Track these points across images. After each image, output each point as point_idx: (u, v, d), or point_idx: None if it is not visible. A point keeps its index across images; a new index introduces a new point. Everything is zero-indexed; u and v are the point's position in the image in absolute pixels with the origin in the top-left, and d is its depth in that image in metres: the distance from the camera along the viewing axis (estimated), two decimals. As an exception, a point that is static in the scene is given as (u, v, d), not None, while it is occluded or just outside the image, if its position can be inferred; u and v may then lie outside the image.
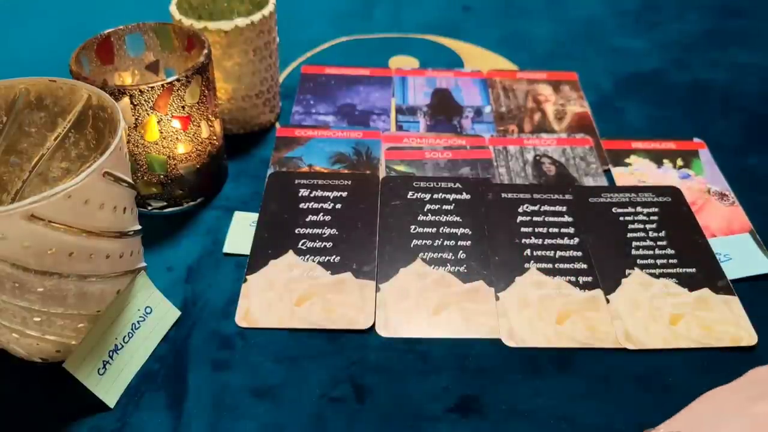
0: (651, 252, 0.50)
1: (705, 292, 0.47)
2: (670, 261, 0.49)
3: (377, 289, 0.47)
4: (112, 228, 0.38)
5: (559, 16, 0.83)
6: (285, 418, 0.40)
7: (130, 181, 0.39)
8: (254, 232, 0.51)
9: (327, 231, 0.51)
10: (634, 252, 0.49)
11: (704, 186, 0.56)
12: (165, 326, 0.44)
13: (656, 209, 0.53)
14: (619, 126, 0.64)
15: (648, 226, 0.52)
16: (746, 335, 0.44)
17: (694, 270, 0.48)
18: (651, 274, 0.48)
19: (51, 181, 0.45)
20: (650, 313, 0.45)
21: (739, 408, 0.33)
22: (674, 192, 0.55)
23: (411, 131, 0.63)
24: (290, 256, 0.49)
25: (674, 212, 0.53)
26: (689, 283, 0.47)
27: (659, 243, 0.50)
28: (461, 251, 0.50)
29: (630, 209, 0.53)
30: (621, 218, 0.52)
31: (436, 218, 0.52)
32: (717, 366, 0.43)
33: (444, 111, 0.65)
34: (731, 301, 0.46)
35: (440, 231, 0.51)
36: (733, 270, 0.48)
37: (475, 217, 0.52)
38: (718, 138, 0.62)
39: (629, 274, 0.48)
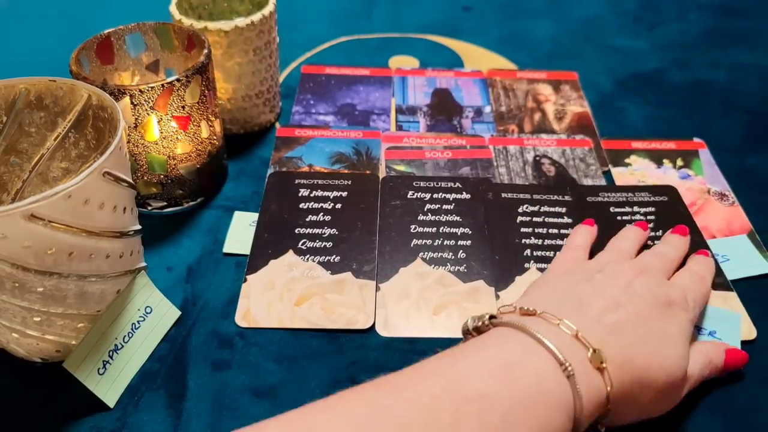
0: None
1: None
2: None
3: (377, 289, 0.47)
4: (112, 228, 0.38)
5: (559, 16, 0.83)
6: (285, 418, 0.40)
7: (130, 181, 0.39)
8: (254, 232, 0.51)
9: (327, 231, 0.51)
10: None
11: (704, 186, 0.56)
12: (165, 326, 0.44)
13: (653, 209, 0.53)
14: (619, 126, 0.64)
15: None
16: (745, 330, 0.44)
17: None
18: None
19: (51, 181, 0.45)
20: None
21: (569, 289, 0.38)
22: (671, 191, 0.55)
23: (411, 131, 0.63)
24: (290, 256, 0.49)
25: (671, 211, 0.53)
26: None
27: (656, 242, 0.50)
28: (461, 251, 0.50)
29: (627, 209, 0.53)
30: (618, 217, 0.52)
31: (436, 218, 0.52)
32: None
33: (444, 111, 0.65)
34: (729, 296, 0.46)
35: (440, 231, 0.51)
36: (731, 271, 0.48)
37: (475, 217, 0.52)
38: (718, 138, 0.62)
39: None
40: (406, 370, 0.31)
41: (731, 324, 0.44)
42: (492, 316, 0.36)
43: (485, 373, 0.31)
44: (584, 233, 0.47)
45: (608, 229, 0.48)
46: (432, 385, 0.30)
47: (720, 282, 0.47)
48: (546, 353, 0.32)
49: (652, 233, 0.51)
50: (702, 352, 0.39)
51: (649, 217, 0.52)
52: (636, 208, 0.53)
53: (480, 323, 0.36)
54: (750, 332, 0.44)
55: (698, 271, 0.43)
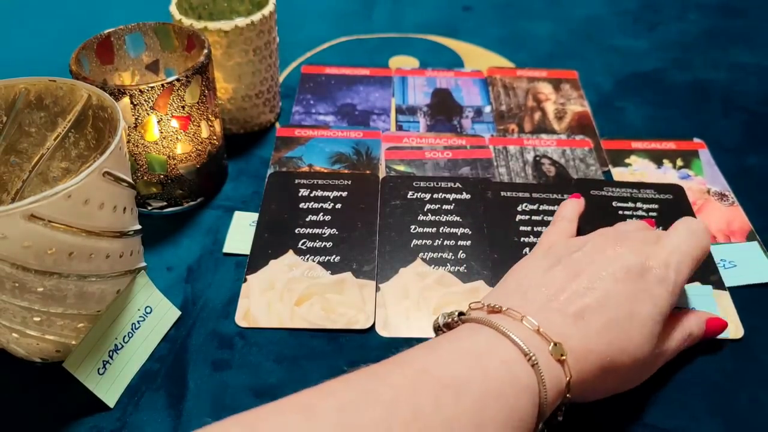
0: None
1: (695, 284, 0.47)
2: None
3: (377, 289, 0.47)
4: (112, 228, 0.38)
5: (559, 16, 0.83)
6: (285, 418, 0.40)
7: (130, 180, 0.39)
8: (254, 232, 0.51)
9: (327, 231, 0.51)
10: None
11: (704, 186, 0.56)
12: (165, 326, 0.44)
13: (656, 206, 0.53)
14: (619, 126, 0.64)
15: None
16: (734, 328, 0.45)
17: None
18: None
19: (51, 181, 0.45)
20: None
21: (539, 277, 0.39)
22: (677, 190, 0.55)
23: (411, 131, 0.63)
24: (290, 256, 0.49)
25: (675, 209, 0.53)
26: None
27: None
28: (461, 251, 0.50)
29: (630, 204, 0.53)
30: (620, 212, 0.53)
31: (436, 218, 0.52)
32: (703, 357, 0.43)
33: (444, 111, 0.65)
34: (722, 295, 0.47)
35: (440, 231, 0.51)
36: (736, 277, 0.48)
37: (475, 217, 0.52)
38: (718, 138, 0.62)
39: None
40: (386, 361, 0.33)
41: (705, 298, 0.45)
42: (461, 313, 0.38)
43: (458, 361, 0.33)
44: (572, 205, 0.48)
45: (610, 224, 0.48)
46: (412, 371, 0.32)
47: (714, 280, 0.48)
48: (511, 345, 0.34)
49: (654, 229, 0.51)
50: (682, 324, 0.41)
51: (651, 214, 0.52)
52: (639, 204, 0.53)
53: (450, 320, 0.38)
54: (737, 330, 0.45)
55: (686, 229, 0.42)
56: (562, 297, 0.37)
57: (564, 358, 0.34)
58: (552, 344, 0.34)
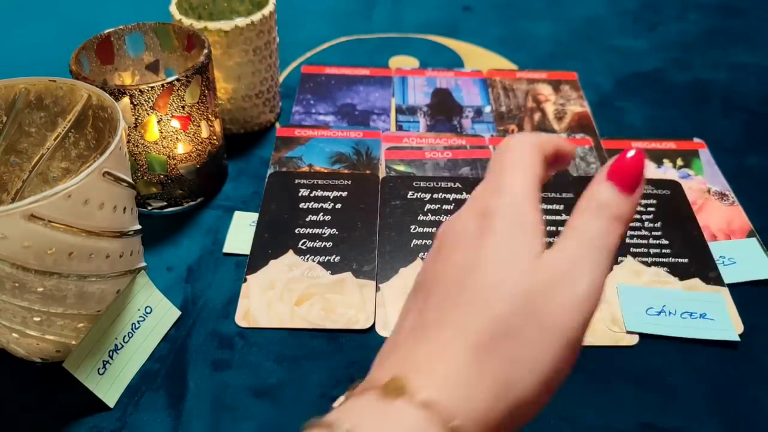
0: (645, 241, 0.50)
1: (695, 281, 0.47)
2: (664, 250, 0.50)
3: (377, 289, 0.47)
4: (112, 228, 0.38)
5: (559, 16, 0.83)
6: (285, 418, 0.40)
7: (130, 180, 0.39)
8: (254, 232, 0.51)
9: (327, 231, 0.51)
10: (627, 240, 0.50)
11: (704, 186, 0.56)
12: (165, 326, 0.44)
13: (654, 201, 0.54)
14: (619, 126, 0.64)
15: (644, 217, 0.52)
16: (734, 326, 0.45)
17: (686, 260, 0.49)
18: (643, 262, 0.49)
19: (51, 181, 0.45)
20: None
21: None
22: (674, 186, 0.55)
23: (411, 131, 0.63)
24: (290, 255, 0.49)
25: (672, 205, 0.54)
26: (680, 272, 0.48)
27: (654, 233, 0.51)
28: (461, 251, 0.50)
29: None
30: None
31: (436, 218, 0.52)
32: (703, 357, 0.43)
33: (444, 111, 0.65)
34: (720, 292, 0.47)
35: (440, 231, 0.51)
36: (735, 274, 0.48)
37: (475, 217, 0.52)
38: (718, 138, 0.62)
39: (621, 261, 0.49)
40: None
41: (718, 303, 0.45)
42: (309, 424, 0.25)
43: None
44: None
45: None
46: None
47: (713, 277, 0.48)
48: None
49: (651, 224, 0.52)
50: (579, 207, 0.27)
51: (649, 209, 0.53)
52: None
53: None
54: (737, 330, 0.45)
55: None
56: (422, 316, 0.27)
57: (403, 386, 0.24)
58: (390, 386, 0.25)
